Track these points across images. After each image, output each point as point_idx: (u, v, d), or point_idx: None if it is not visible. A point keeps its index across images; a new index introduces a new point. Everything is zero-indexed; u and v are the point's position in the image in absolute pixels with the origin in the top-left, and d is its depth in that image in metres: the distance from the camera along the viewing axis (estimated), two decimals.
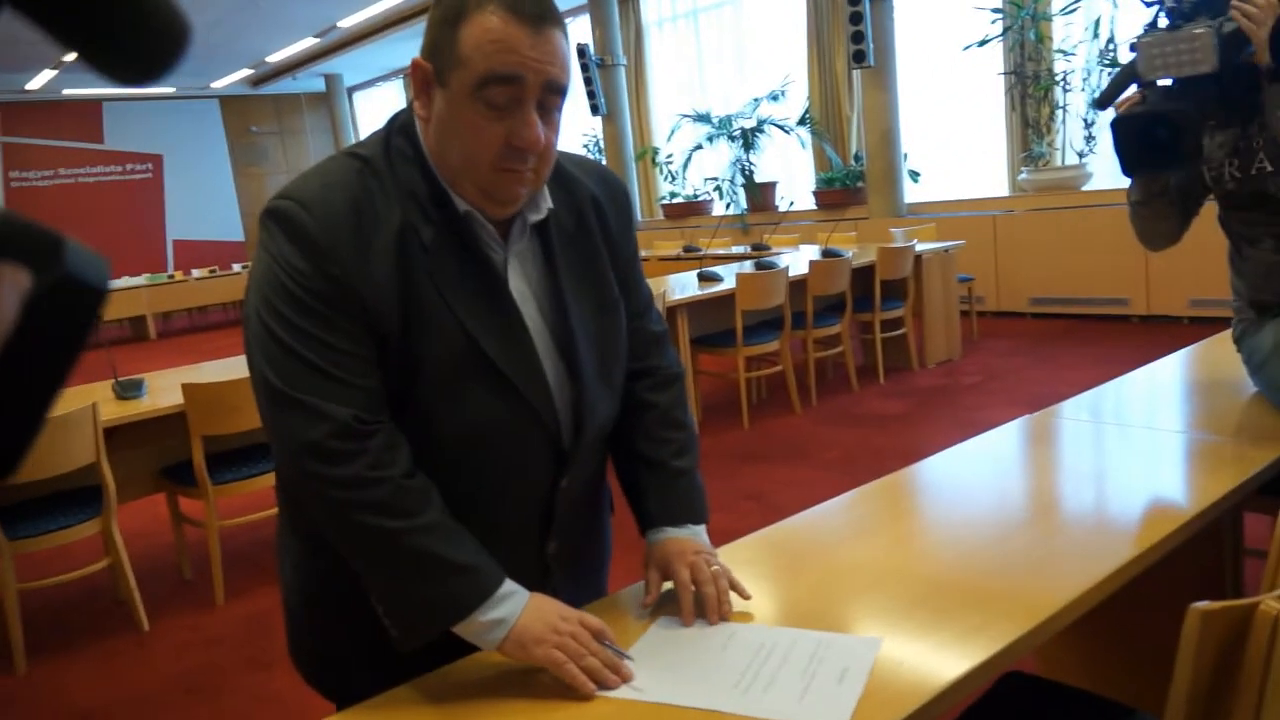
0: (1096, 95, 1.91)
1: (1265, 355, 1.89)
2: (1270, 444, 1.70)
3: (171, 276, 14.30)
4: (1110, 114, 1.82)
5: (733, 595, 1.29)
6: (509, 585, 1.15)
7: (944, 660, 1.12)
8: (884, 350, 6.18)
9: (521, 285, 1.24)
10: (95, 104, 16.46)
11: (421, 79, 1.15)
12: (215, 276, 14.11)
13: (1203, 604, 0.95)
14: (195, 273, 14.40)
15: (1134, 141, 1.77)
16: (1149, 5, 1.81)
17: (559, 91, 1.14)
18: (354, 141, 1.37)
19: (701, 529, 1.39)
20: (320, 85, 17.51)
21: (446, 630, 1.14)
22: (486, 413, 1.20)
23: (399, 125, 1.20)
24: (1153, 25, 1.79)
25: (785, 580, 1.41)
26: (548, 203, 1.24)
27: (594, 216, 1.31)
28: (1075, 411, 2.10)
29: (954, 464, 1.85)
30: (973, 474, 1.80)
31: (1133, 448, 1.88)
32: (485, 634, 1.13)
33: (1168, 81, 1.76)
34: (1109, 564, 1.31)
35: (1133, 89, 1.83)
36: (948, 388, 5.87)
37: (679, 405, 1.44)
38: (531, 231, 1.25)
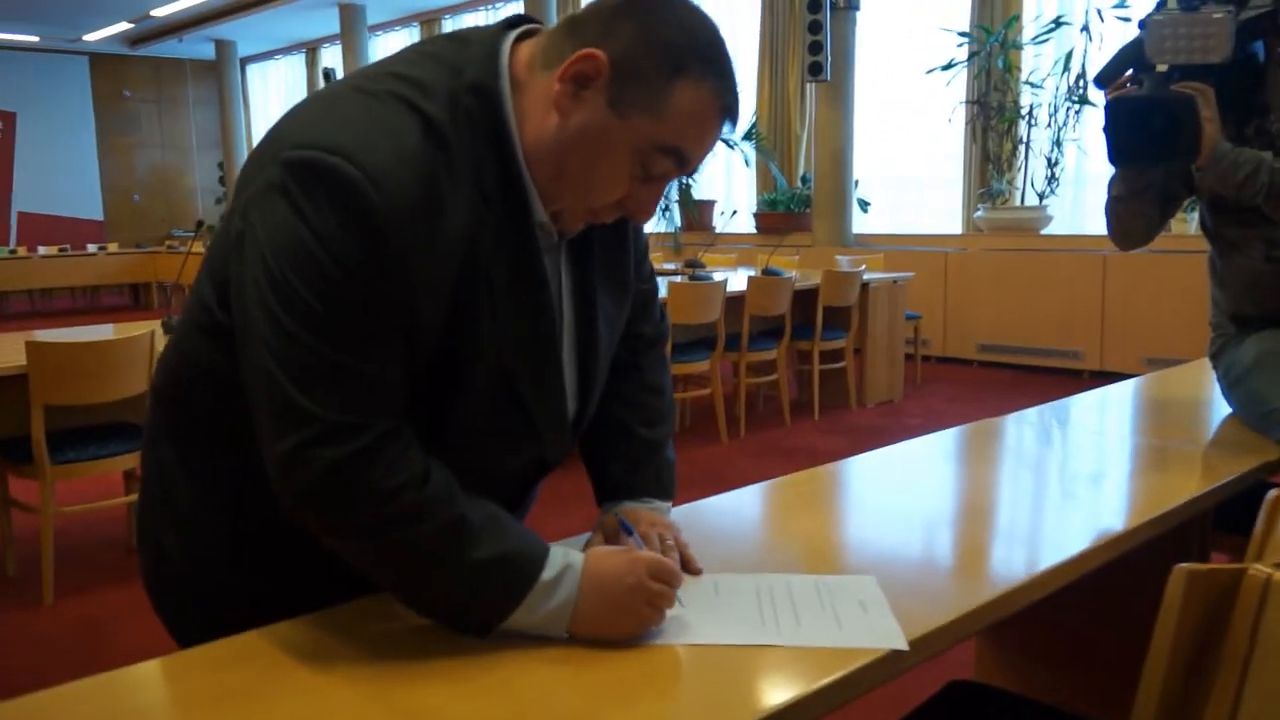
0: (1100, 77, 1.96)
1: (1245, 369, 1.95)
2: (1246, 455, 1.76)
3: (13, 251, 13.78)
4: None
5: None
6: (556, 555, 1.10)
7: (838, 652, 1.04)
8: (821, 384, 6.27)
9: (558, 280, 1.22)
10: None
11: (590, 75, 1.05)
12: (65, 256, 13.64)
13: (1187, 565, 0.97)
14: (41, 250, 13.90)
15: (1126, 127, 1.82)
16: None
17: None
18: (330, 83, 1.20)
19: (665, 506, 1.38)
20: (209, 52, 17.16)
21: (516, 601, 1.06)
22: (500, 449, 1.21)
23: (471, 84, 1.08)
24: (1163, 2, 1.84)
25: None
26: None
27: None
28: (1023, 418, 2.16)
29: (887, 461, 1.85)
30: (905, 471, 1.80)
31: (1086, 452, 1.93)
32: (551, 598, 1.06)
33: (1164, 70, 1.83)
34: (1047, 562, 1.27)
35: (1130, 74, 1.89)
36: (888, 428, 5.98)
37: (659, 368, 1.46)
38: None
